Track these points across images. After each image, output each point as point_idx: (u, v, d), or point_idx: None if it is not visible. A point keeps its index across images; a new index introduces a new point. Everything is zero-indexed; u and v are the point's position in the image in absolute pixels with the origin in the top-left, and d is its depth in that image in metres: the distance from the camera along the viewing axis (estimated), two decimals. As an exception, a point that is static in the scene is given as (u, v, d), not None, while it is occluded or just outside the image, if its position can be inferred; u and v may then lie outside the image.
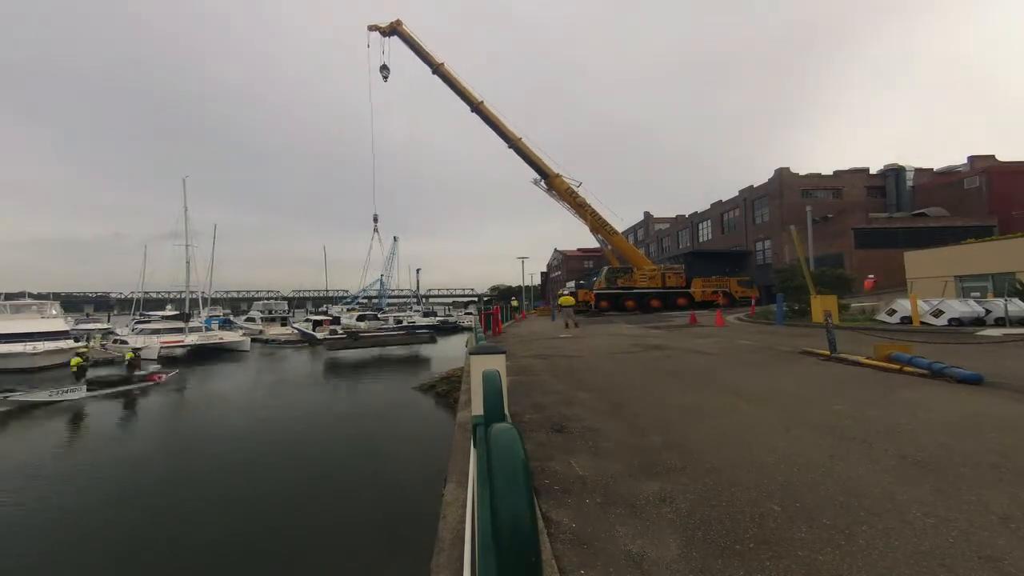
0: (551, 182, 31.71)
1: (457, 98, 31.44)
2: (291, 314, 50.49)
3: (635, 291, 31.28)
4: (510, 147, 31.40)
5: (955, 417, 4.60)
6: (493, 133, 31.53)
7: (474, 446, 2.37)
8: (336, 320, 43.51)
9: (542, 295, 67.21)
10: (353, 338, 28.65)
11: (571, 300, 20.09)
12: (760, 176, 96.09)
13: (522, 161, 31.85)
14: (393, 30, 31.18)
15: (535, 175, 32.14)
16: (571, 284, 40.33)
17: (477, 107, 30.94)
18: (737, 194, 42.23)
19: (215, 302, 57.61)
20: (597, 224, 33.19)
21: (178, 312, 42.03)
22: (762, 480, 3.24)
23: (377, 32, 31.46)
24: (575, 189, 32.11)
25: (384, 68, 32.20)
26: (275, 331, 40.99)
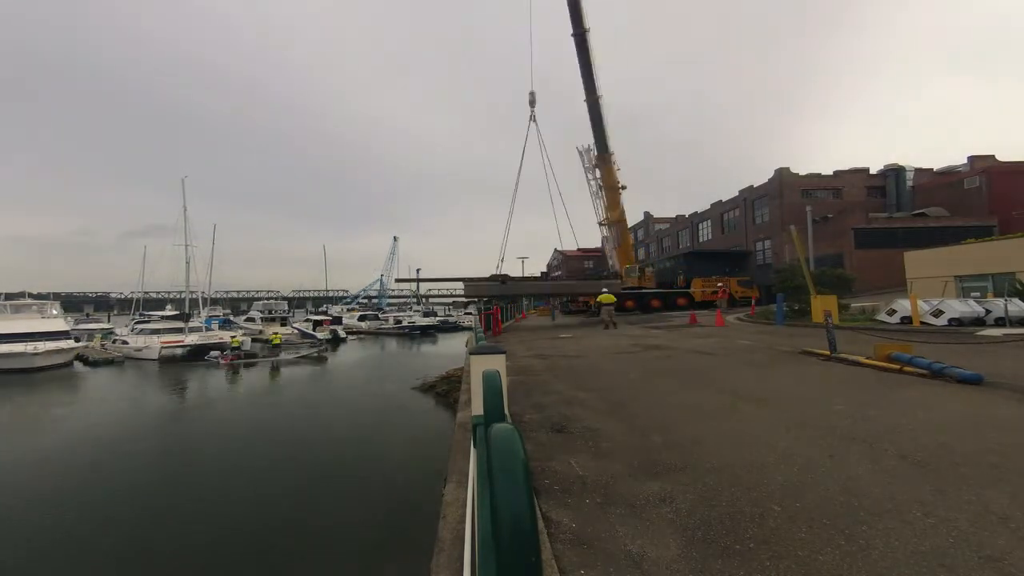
0: (605, 156, 30.22)
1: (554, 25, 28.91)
2: (291, 314, 50.44)
3: (636, 291, 31.29)
4: (587, 101, 29.47)
5: (955, 417, 4.60)
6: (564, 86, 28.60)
7: (474, 446, 2.37)
8: (337, 320, 43.50)
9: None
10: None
11: (612, 298, 18.18)
12: (760, 176, 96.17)
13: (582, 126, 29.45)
14: None
15: (589, 143, 30.53)
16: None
17: (582, 33, 28.31)
18: (737, 194, 42.20)
19: (215, 302, 57.61)
20: (621, 216, 31.73)
21: (178, 312, 42.02)
22: (762, 480, 3.23)
23: None
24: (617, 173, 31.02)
25: None
26: (275, 331, 40.93)
